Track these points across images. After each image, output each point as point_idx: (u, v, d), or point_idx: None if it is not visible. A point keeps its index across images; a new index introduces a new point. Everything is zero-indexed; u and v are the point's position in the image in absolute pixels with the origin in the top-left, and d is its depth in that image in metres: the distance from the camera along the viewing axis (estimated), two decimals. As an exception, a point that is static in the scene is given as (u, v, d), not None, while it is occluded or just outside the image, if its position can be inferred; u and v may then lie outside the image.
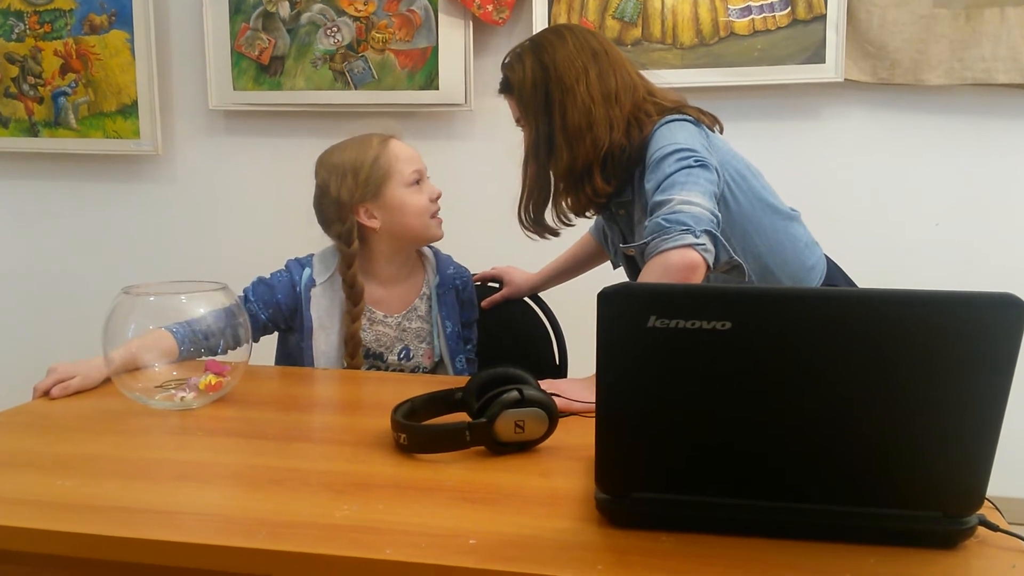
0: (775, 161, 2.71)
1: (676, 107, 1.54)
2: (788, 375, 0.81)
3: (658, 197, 1.36)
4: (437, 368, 1.72)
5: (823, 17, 2.56)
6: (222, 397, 1.38)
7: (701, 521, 0.89)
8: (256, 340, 1.68)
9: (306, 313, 1.65)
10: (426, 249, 1.76)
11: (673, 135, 1.45)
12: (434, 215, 1.67)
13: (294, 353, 1.69)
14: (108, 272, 3.17)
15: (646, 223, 1.36)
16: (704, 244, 1.29)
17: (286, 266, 1.70)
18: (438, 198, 1.68)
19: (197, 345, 1.43)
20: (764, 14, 2.60)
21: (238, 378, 1.40)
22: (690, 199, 1.33)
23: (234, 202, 3.04)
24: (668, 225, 1.31)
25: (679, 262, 1.28)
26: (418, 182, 1.65)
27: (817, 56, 2.58)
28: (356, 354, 1.63)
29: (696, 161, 1.39)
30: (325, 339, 1.65)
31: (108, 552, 0.91)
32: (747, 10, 2.61)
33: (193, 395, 1.35)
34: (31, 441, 1.20)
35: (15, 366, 3.28)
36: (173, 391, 1.36)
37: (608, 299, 0.79)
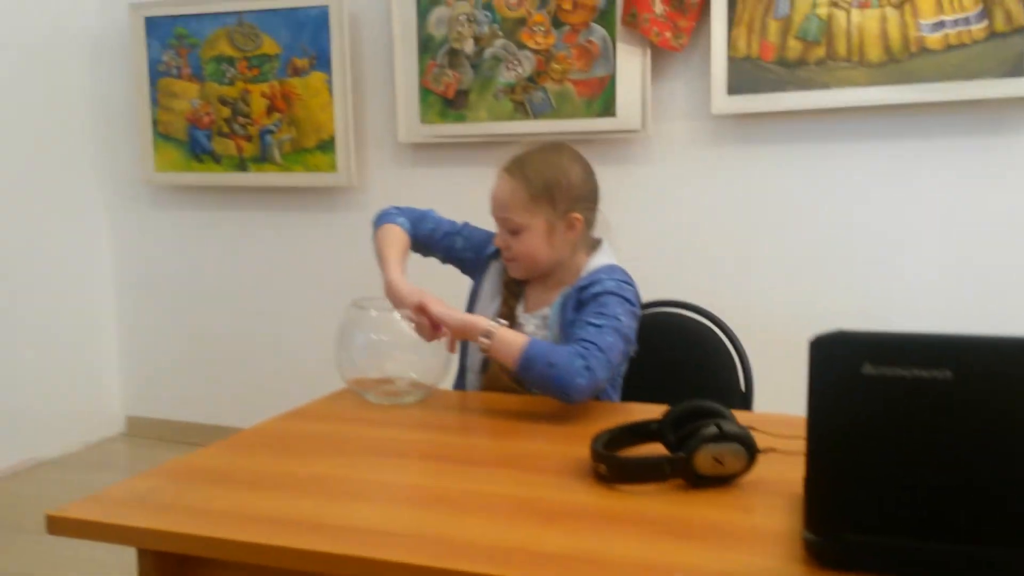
0: (967, 179, 2.60)
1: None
2: (1011, 424, 0.79)
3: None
4: None
5: (1023, 29, 2.42)
6: (425, 424, 1.48)
7: (913, 566, 0.88)
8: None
9: (478, 278, 1.79)
10: (594, 262, 1.69)
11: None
12: (503, 258, 1.73)
13: None
14: (307, 291, 3.42)
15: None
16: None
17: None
18: (497, 246, 1.72)
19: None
20: (959, 28, 2.49)
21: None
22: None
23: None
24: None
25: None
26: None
27: (1017, 70, 2.44)
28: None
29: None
30: (482, 312, 1.74)
31: (337, 569, 0.99)
32: (940, 24, 2.51)
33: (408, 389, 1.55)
34: (262, 461, 1.32)
35: (224, 376, 3.58)
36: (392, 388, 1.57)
37: (821, 345, 0.80)
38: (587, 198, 1.68)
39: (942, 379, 0.77)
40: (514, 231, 1.65)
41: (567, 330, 1.60)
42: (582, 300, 1.60)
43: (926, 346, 0.78)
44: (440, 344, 1.57)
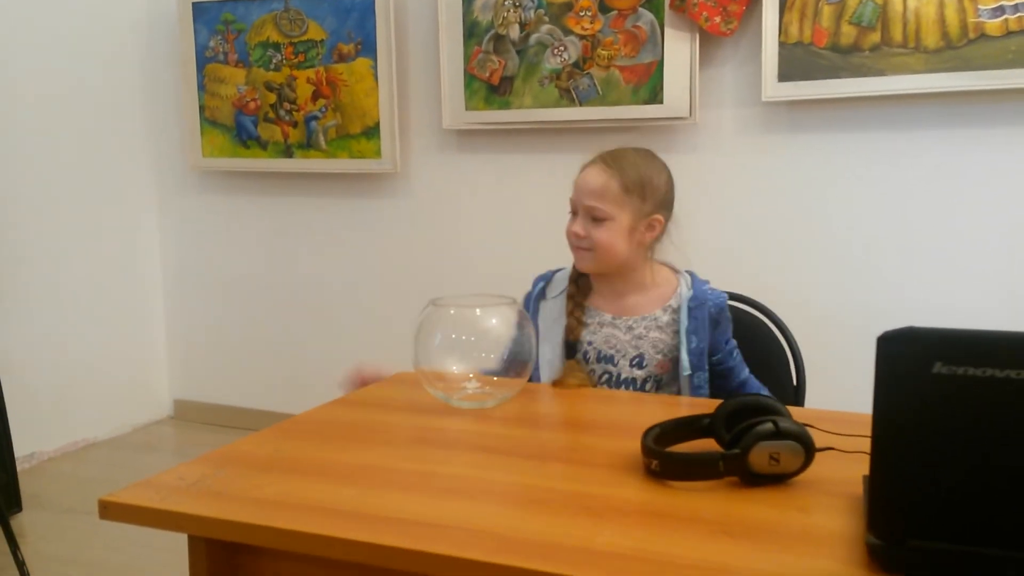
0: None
1: None
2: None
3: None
4: (669, 382, 1.71)
5: (1092, 13, 2.34)
6: (485, 414, 1.46)
7: (981, 574, 0.85)
8: None
9: (533, 322, 1.74)
10: (680, 279, 1.77)
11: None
12: (574, 248, 1.70)
13: None
14: (351, 277, 3.44)
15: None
16: None
17: (532, 284, 1.80)
18: (573, 235, 1.69)
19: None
20: (1019, 13, 2.42)
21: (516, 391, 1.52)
22: None
23: (465, 215, 3.20)
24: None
25: None
26: (573, 212, 1.69)
27: (1083, 55, 2.36)
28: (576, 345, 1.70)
29: None
30: (550, 349, 1.72)
31: (386, 560, 0.99)
32: (1000, 10, 2.43)
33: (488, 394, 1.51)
34: (312, 448, 1.32)
35: (268, 361, 3.61)
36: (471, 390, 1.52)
37: (889, 342, 0.78)
38: (669, 205, 1.72)
39: (1017, 379, 0.74)
40: (598, 220, 1.65)
41: (699, 345, 1.69)
42: (715, 318, 1.72)
43: (1001, 345, 0.75)
44: (524, 342, 1.53)
